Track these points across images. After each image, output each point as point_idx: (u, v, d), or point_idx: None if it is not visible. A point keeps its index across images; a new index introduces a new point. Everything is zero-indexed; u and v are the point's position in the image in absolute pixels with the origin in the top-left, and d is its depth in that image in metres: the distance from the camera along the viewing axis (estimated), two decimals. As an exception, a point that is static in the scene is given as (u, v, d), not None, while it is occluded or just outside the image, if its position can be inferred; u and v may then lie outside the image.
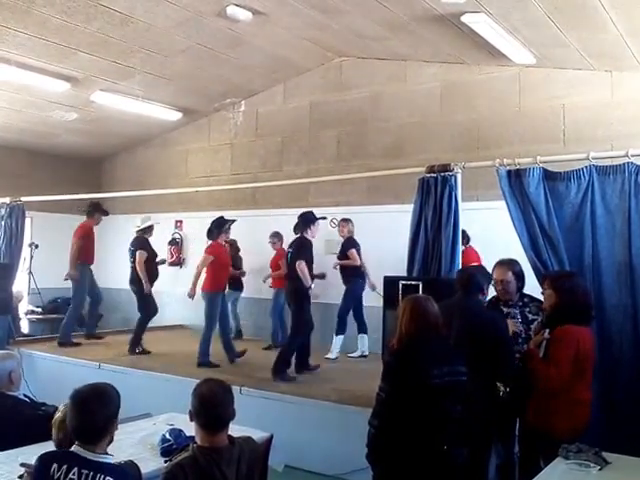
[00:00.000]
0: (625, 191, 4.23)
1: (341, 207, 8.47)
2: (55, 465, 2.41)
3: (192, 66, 8.15)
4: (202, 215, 9.55)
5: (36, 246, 9.79)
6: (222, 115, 9.94)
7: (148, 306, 7.77)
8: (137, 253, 7.63)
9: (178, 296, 8.92)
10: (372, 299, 7.31)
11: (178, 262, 10.21)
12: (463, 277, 4.17)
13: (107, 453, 2.53)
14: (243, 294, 8.92)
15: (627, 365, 4.18)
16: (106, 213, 8.63)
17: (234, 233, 8.30)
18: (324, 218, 7.01)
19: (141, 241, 7.76)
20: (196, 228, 9.75)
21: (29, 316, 10.14)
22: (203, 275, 7.05)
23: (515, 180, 4.58)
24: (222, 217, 7.33)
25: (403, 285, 4.83)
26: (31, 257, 9.72)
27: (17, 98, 8.48)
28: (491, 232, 6.55)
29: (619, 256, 4.24)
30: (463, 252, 5.36)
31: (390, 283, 5.04)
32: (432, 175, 5.06)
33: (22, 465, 2.72)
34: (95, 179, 11.50)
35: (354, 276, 7.44)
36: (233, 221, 7.50)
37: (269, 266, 8.41)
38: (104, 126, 9.85)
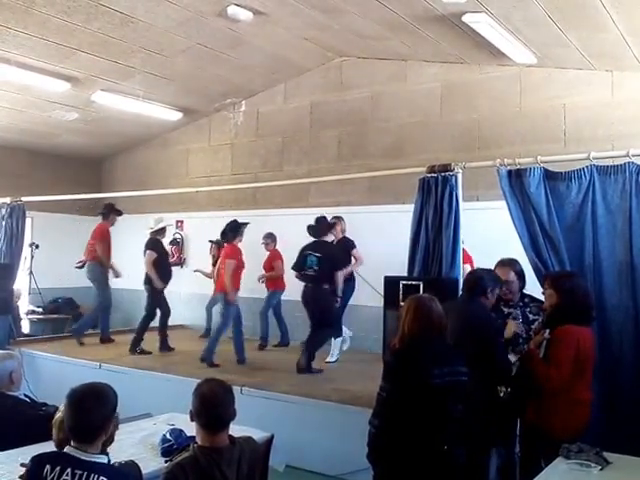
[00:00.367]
0: (626, 191, 4.22)
1: (342, 207, 8.46)
2: (48, 467, 2.39)
3: (193, 66, 8.15)
4: (203, 215, 9.58)
5: (37, 246, 9.81)
6: (223, 115, 9.95)
7: (160, 306, 7.85)
8: (147, 253, 7.71)
9: (178, 296, 8.94)
10: (373, 299, 7.30)
11: (179, 262, 10.21)
12: (469, 279, 4.16)
13: (103, 453, 2.51)
14: (244, 294, 8.90)
15: (628, 365, 4.17)
16: (120, 213, 8.63)
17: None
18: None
19: (153, 242, 7.84)
20: (197, 228, 9.77)
21: (30, 316, 10.14)
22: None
23: (516, 180, 4.58)
24: (236, 220, 7.35)
25: (404, 285, 4.84)
26: (32, 257, 9.73)
27: (18, 98, 8.48)
28: (492, 232, 6.54)
29: (620, 256, 4.23)
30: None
31: (391, 283, 5.04)
32: (433, 175, 5.05)
33: (22, 465, 2.72)
34: (95, 179, 11.51)
35: (348, 278, 7.37)
36: (247, 224, 7.50)
37: (262, 267, 8.36)
38: (105, 126, 9.85)
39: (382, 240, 7.60)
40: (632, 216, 4.18)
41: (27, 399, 3.88)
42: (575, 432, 3.46)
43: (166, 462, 3.02)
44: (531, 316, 4.26)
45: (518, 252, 4.54)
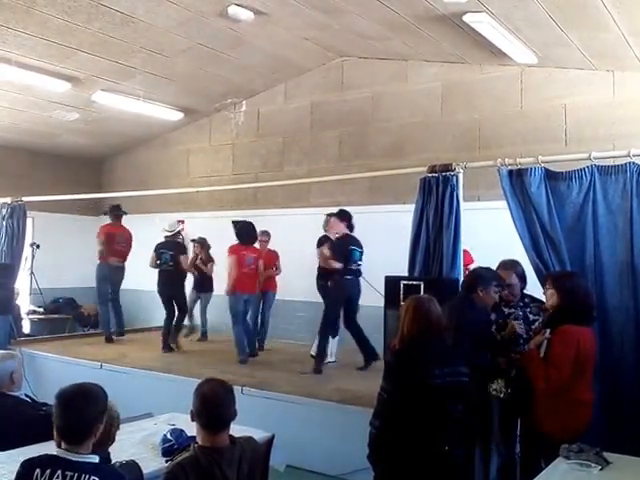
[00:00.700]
0: (627, 191, 4.21)
1: (342, 207, 8.45)
2: (38, 470, 2.37)
3: (193, 66, 8.16)
4: (203, 215, 9.57)
5: (37, 246, 9.80)
6: (223, 115, 9.95)
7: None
8: (181, 257, 7.84)
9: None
10: (373, 299, 7.28)
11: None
12: (465, 277, 4.20)
13: (94, 453, 2.49)
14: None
15: (628, 366, 4.17)
16: (113, 213, 8.73)
17: (229, 233, 8.21)
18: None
19: (180, 245, 7.99)
20: (197, 228, 9.75)
21: (31, 316, 10.15)
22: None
23: (516, 180, 4.57)
24: (251, 223, 7.37)
25: (404, 285, 4.83)
26: (32, 257, 9.73)
27: (19, 98, 8.48)
28: (492, 232, 6.53)
29: (621, 256, 4.22)
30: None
31: (391, 283, 5.04)
32: (433, 175, 5.05)
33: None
34: (96, 179, 11.52)
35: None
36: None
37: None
38: (105, 126, 9.86)
39: (383, 240, 7.59)
40: (633, 216, 4.17)
41: (28, 399, 3.88)
42: (575, 432, 3.45)
43: (167, 462, 3.03)
44: (531, 316, 4.26)
45: (519, 252, 4.54)
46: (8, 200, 8.04)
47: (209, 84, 8.92)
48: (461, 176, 5.03)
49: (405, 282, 4.87)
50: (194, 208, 9.88)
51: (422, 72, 8.18)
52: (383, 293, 5.16)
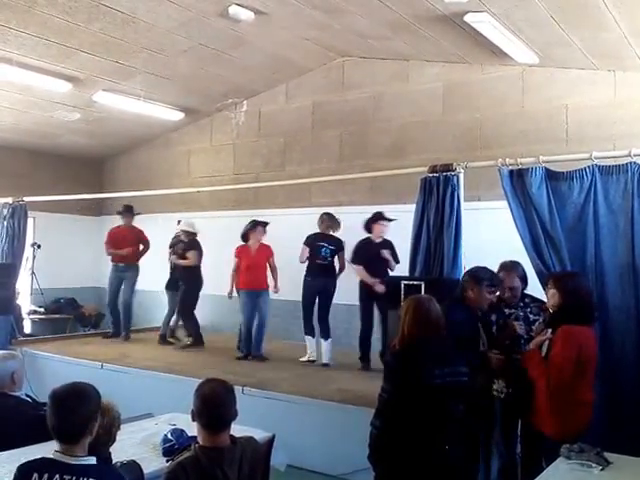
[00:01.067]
0: (628, 191, 4.21)
1: (343, 207, 8.46)
2: (35, 475, 2.36)
3: (194, 66, 8.15)
4: (204, 215, 9.56)
5: (38, 246, 9.81)
6: (224, 115, 9.94)
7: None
8: (194, 253, 8.03)
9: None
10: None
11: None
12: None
13: (91, 454, 2.49)
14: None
15: (629, 366, 4.16)
16: (124, 213, 8.85)
17: (229, 233, 8.20)
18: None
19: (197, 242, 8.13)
20: (198, 228, 9.74)
21: (32, 316, 10.15)
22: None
23: (517, 180, 4.57)
24: (255, 220, 7.44)
25: (405, 285, 4.83)
26: (33, 257, 9.74)
27: (19, 98, 8.48)
28: (493, 232, 6.53)
29: (622, 257, 4.22)
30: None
31: (392, 283, 5.04)
32: (434, 175, 5.05)
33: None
34: (97, 179, 11.51)
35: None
36: (267, 223, 7.51)
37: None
38: (106, 126, 9.86)
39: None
40: (634, 216, 4.17)
41: (29, 399, 3.88)
42: (576, 433, 3.45)
43: (167, 462, 3.03)
44: (532, 316, 4.26)
45: (519, 252, 4.54)
46: (9, 200, 8.06)
47: (210, 84, 8.92)
48: (462, 176, 5.03)
49: (406, 282, 4.87)
50: (195, 208, 9.87)
51: (423, 72, 8.18)
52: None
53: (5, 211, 8.01)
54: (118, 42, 7.15)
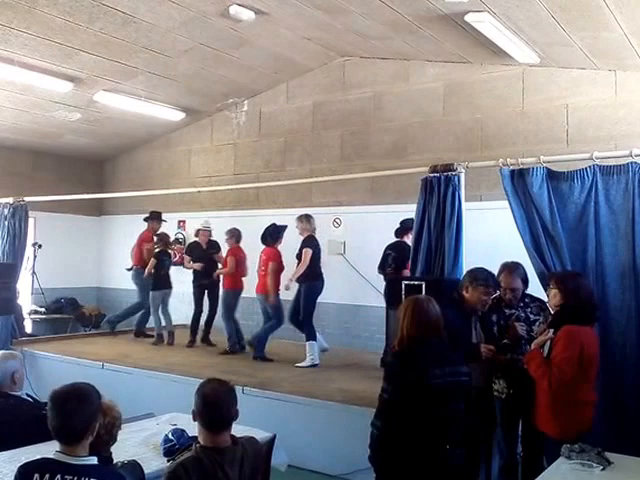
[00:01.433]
0: (629, 191, 4.21)
1: (344, 207, 8.47)
2: (37, 475, 2.36)
3: (195, 66, 8.16)
4: (205, 215, 9.56)
5: (39, 246, 9.81)
6: (225, 115, 9.95)
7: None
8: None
9: (182, 296, 8.93)
10: (377, 299, 7.29)
11: (181, 262, 10.19)
12: None
13: (92, 454, 2.49)
14: (247, 294, 8.88)
15: (630, 366, 4.16)
16: (153, 219, 8.88)
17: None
18: None
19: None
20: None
21: (32, 316, 10.16)
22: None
23: (518, 180, 4.57)
24: (274, 224, 7.41)
25: (406, 285, 4.83)
26: (34, 257, 9.74)
27: (21, 98, 8.49)
28: (494, 232, 6.54)
29: (623, 257, 4.22)
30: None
31: (393, 283, 5.04)
32: (435, 175, 5.05)
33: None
34: (98, 179, 11.53)
35: (314, 277, 7.10)
36: (285, 227, 7.46)
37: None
38: (107, 126, 9.86)
39: (384, 240, 7.58)
40: (635, 217, 4.17)
41: (29, 399, 3.88)
42: (578, 433, 3.44)
43: (168, 462, 3.03)
44: (532, 316, 4.26)
45: (520, 252, 4.53)
46: (10, 200, 8.06)
47: (211, 84, 8.92)
48: (463, 176, 5.03)
49: (407, 282, 4.87)
50: (196, 208, 9.89)
51: (424, 72, 8.18)
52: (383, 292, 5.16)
53: (6, 211, 8.01)
54: (119, 42, 7.16)
